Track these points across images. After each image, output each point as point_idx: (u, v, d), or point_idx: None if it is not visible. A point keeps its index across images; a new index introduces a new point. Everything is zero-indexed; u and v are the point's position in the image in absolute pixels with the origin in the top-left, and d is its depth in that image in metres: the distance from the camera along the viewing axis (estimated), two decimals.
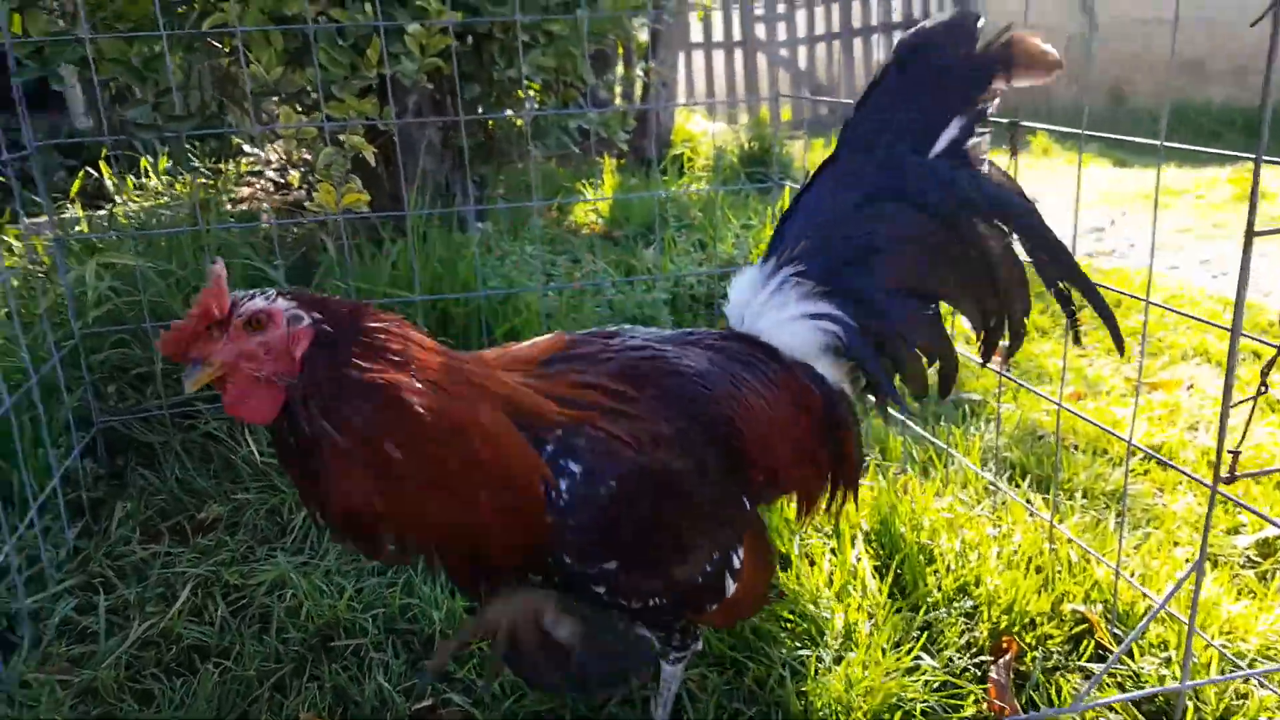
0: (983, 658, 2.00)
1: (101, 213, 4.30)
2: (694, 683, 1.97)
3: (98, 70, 2.80)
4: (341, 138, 3.56)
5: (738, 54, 10.14)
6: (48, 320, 2.82)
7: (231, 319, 1.25)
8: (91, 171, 4.76)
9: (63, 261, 2.89)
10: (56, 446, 2.71)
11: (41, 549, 2.45)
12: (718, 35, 10.14)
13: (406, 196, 3.27)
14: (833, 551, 2.32)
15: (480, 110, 4.61)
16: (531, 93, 5.08)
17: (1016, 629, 2.04)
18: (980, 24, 1.63)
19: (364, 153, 3.60)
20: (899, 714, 1.83)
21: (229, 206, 4.93)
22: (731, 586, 1.53)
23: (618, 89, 7.33)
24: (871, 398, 1.76)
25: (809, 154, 7.17)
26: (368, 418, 1.21)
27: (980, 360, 1.77)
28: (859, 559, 2.25)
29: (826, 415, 1.67)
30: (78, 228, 4.02)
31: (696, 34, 9.97)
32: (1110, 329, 1.62)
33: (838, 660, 1.97)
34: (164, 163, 4.88)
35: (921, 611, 2.10)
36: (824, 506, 1.73)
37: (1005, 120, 2.14)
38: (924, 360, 1.71)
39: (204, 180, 5.00)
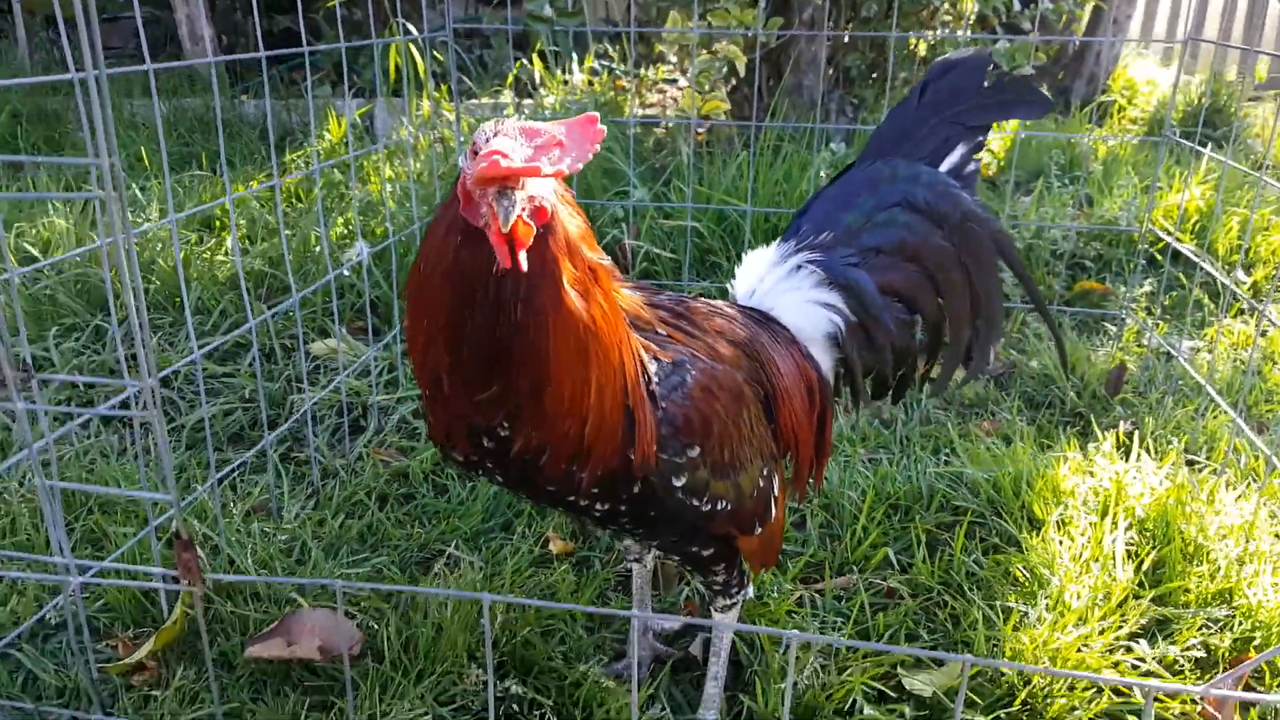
0: (1218, 673, 1.77)
1: (529, 101, 4.93)
2: (886, 599, 1.98)
3: None
4: (717, 47, 3.74)
5: None
6: (440, 183, 3.36)
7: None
8: (526, 64, 5.42)
9: (459, 135, 3.41)
10: None
11: (399, 362, 3.00)
12: None
13: (756, 110, 3.37)
14: (1091, 527, 2.14)
15: (875, 30, 4.53)
16: (947, 15, 4.89)
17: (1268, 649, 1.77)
18: (991, 64, 1.83)
19: (737, 62, 3.76)
20: (1083, 684, 1.71)
21: (637, 110, 5.36)
22: (774, 512, 1.63)
23: (1065, 18, 6.71)
24: (846, 390, 1.86)
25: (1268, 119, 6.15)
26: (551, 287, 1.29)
27: (935, 387, 1.89)
28: (1115, 540, 2.06)
29: (820, 395, 1.75)
30: (506, 111, 4.65)
31: None
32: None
33: (1041, 621, 1.85)
34: (589, 61, 5.40)
35: (1165, 606, 1.90)
36: (807, 475, 1.78)
37: None
38: (895, 364, 1.83)
39: (619, 82, 5.43)
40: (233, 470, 2.48)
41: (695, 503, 1.48)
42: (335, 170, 4.48)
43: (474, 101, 5.37)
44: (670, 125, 3.74)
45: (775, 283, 1.78)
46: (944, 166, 1.80)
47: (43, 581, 1.89)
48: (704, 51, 3.63)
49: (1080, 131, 5.41)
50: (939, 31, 4.79)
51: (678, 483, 1.45)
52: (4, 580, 1.99)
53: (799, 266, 1.76)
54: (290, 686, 1.84)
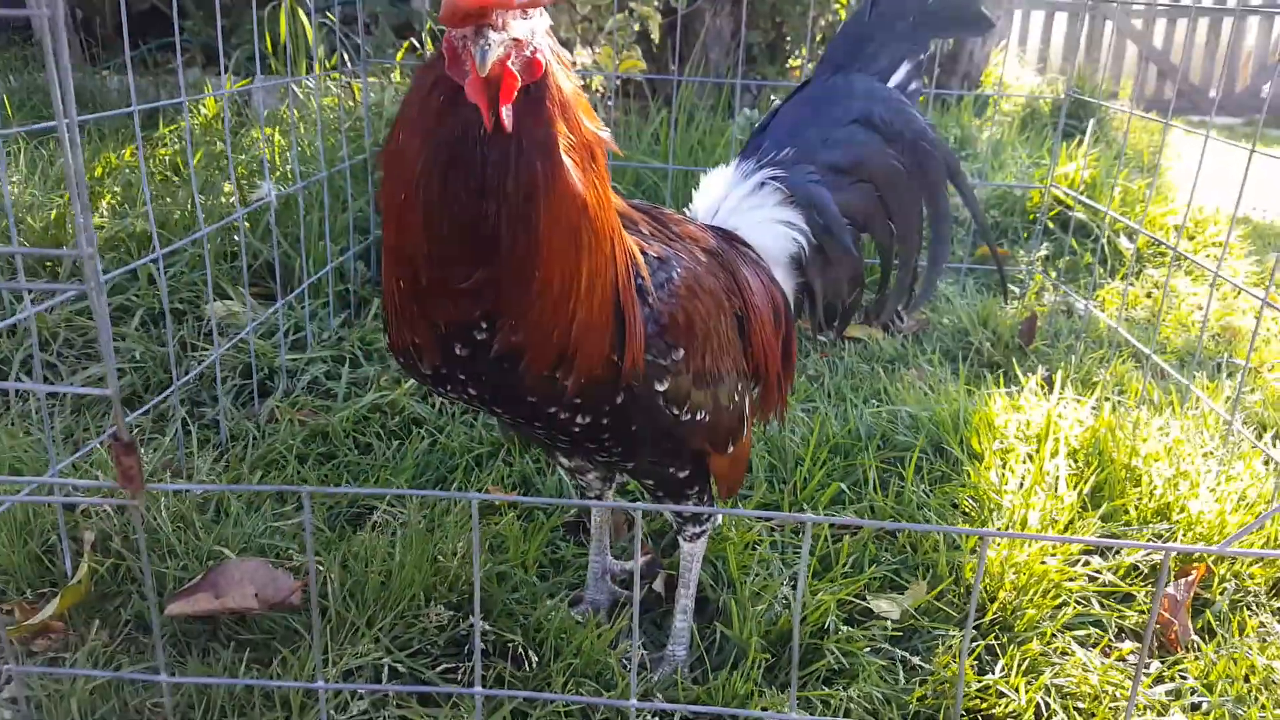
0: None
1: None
2: (848, 531, 1.97)
3: None
4: (632, 5, 3.69)
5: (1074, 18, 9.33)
6: (346, 136, 3.19)
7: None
8: (416, 45, 5.25)
9: (366, 84, 3.25)
10: (336, 244, 3.09)
11: (306, 322, 2.82)
12: None
13: (677, 68, 3.34)
14: (1029, 457, 2.19)
15: (776, 10, 4.59)
16: (835, 7, 5.00)
17: (1211, 558, 1.84)
18: None
19: (650, 22, 3.73)
20: (1050, 594, 1.73)
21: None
22: (745, 431, 1.58)
23: None
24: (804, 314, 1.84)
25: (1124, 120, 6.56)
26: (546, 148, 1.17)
27: (875, 314, 1.90)
28: (1057, 465, 2.11)
29: (785, 318, 1.72)
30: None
31: None
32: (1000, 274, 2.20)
33: (998, 543, 1.88)
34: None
35: (1111, 525, 1.95)
36: (775, 401, 1.74)
37: None
38: (848, 290, 1.81)
39: None
40: (132, 423, 2.27)
41: (675, 411, 1.41)
42: (217, 142, 4.21)
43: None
44: (590, 79, 3.67)
45: (738, 200, 1.73)
46: (891, 83, 1.78)
47: None
48: (619, 12, 3.58)
49: (964, 122, 5.63)
50: (831, 18, 4.90)
51: (660, 387, 1.36)
52: None
53: (762, 184, 1.72)
54: (219, 644, 1.67)
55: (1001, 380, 2.65)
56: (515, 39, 1.10)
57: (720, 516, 1.71)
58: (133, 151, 4.16)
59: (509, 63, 1.10)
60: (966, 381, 2.73)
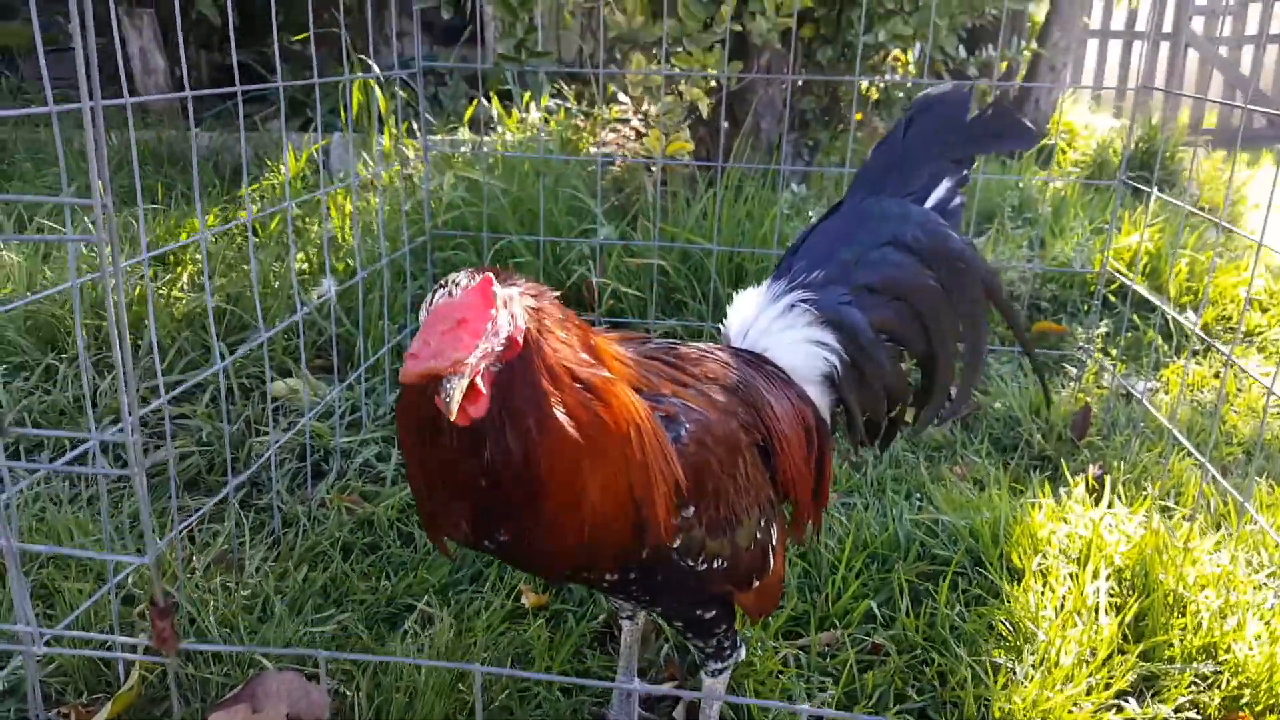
0: None
1: (488, 138, 4.89)
2: (872, 656, 1.95)
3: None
4: (681, 88, 3.74)
5: (1137, 46, 9.11)
6: (406, 219, 3.29)
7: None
8: (484, 102, 5.38)
9: (428, 170, 3.35)
10: (394, 322, 3.18)
11: (362, 402, 2.91)
12: (1119, 24, 9.17)
13: (720, 151, 3.37)
14: (1070, 577, 2.14)
15: (829, 75, 4.59)
16: (895, 62, 4.98)
17: (1259, 709, 1.78)
18: (969, 98, 1.83)
19: (700, 104, 3.77)
20: None
21: (592, 149, 5.35)
22: (772, 563, 1.59)
23: (1004, 66, 6.89)
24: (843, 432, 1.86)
25: (1203, 165, 6.36)
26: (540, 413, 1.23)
27: (911, 424, 1.89)
28: (1097, 591, 2.06)
29: (818, 436, 1.73)
30: (464, 147, 4.61)
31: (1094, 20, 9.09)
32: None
33: (1030, 679, 1.84)
34: (545, 100, 5.39)
35: (1153, 664, 1.90)
36: (806, 520, 1.75)
37: None
38: (888, 405, 1.82)
39: (575, 121, 5.42)
40: (192, 521, 2.38)
41: (689, 563, 1.44)
42: (295, 205, 4.38)
43: (432, 138, 5.31)
44: (630, 163, 3.73)
45: (769, 322, 1.75)
46: (930, 202, 1.80)
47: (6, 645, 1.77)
48: (668, 95, 3.63)
49: (1028, 174, 5.53)
50: (889, 76, 4.88)
51: (674, 544, 1.40)
52: None
53: (792, 305, 1.74)
54: None
55: (1047, 486, 2.60)
56: (484, 352, 1.17)
57: (744, 650, 1.71)
58: (215, 217, 4.36)
59: (479, 379, 1.17)
60: (1013, 480, 2.69)
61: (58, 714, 1.79)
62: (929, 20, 4.28)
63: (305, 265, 3.73)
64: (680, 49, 3.67)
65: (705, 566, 1.46)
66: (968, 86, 1.85)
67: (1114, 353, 3.46)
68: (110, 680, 1.89)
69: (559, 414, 1.23)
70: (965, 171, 1.82)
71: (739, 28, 3.83)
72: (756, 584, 1.58)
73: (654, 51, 4.13)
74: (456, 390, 1.13)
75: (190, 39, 7.35)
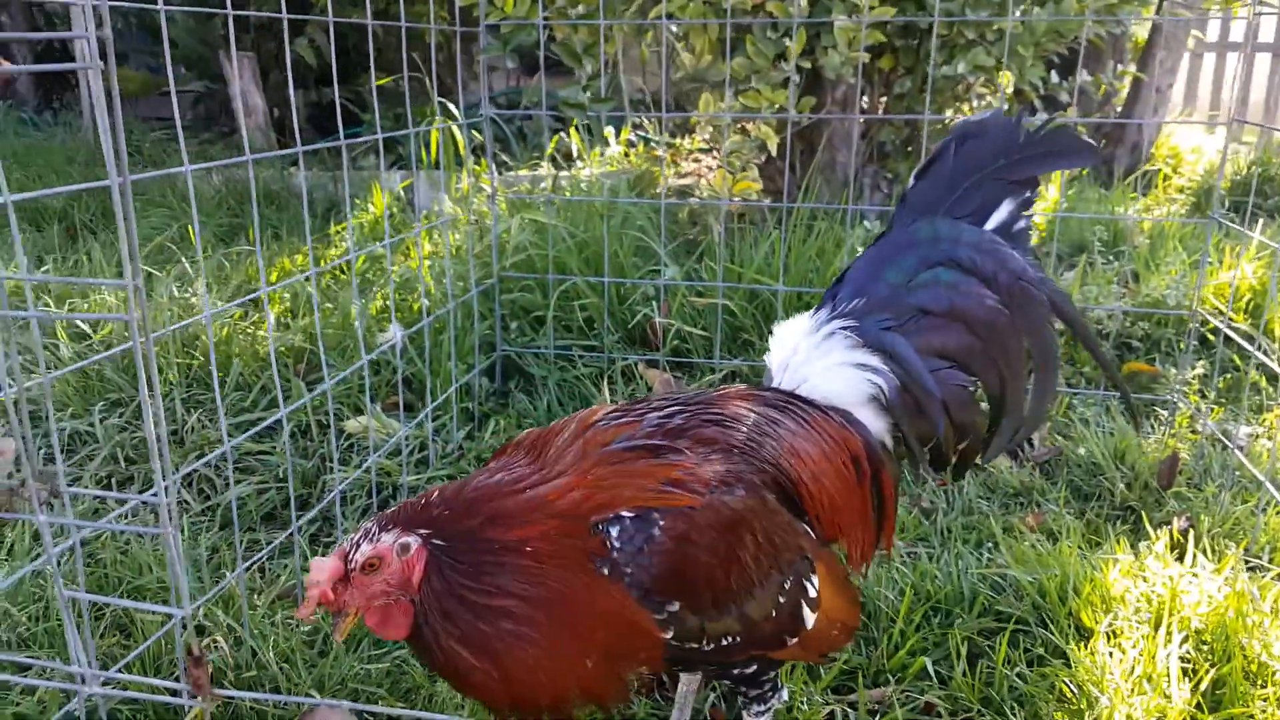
0: None
1: (565, 173, 4.97)
2: (924, 716, 1.88)
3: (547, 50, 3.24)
4: (749, 127, 3.74)
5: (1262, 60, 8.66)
6: (475, 260, 3.37)
7: (350, 572, 1.36)
8: (564, 137, 5.47)
9: (495, 213, 3.42)
10: (462, 362, 3.25)
11: (430, 439, 2.98)
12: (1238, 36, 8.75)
13: (787, 188, 3.35)
14: (1144, 639, 2.03)
15: (909, 107, 4.52)
16: (987, 89, 4.87)
17: None
18: (1019, 121, 1.73)
19: (769, 142, 3.76)
20: None
21: (674, 179, 5.38)
22: (810, 617, 1.54)
23: (1103, 90, 6.66)
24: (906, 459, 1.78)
25: None
26: (478, 630, 1.35)
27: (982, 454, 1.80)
28: (1169, 654, 1.95)
29: (869, 461, 1.68)
30: (542, 184, 4.70)
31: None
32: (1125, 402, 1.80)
33: None
34: (625, 133, 5.44)
35: None
36: (859, 553, 1.71)
37: None
38: (954, 433, 1.75)
39: (655, 152, 5.44)
40: (260, 557, 2.46)
41: (694, 646, 1.43)
42: (376, 245, 4.54)
43: (511, 174, 5.44)
44: (701, 205, 3.74)
45: (808, 352, 1.73)
46: (990, 225, 1.73)
47: (63, 684, 1.86)
48: (735, 133, 3.63)
49: (1124, 203, 5.33)
50: (974, 104, 4.76)
51: (667, 635, 1.39)
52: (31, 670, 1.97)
53: (833, 334, 1.71)
54: None
55: (1123, 540, 2.47)
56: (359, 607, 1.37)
57: (785, 693, 1.68)
58: (305, 258, 4.54)
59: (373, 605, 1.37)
60: (1092, 532, 2.57)
61: None
62: (1013, 50, 4.19)
63: (383, 304, 3.84)
64: (749, 86, 3.67)
65: (713, 646, 1.44)
66: (1012, 113, 1.78)
67: (1210, 395, 3.28)
68: (179, 710, 1.96)
69: (459, 648, 1.35)
70: (1029, 194, 1.74)
71: (807, 64, 3.81)
72: (793, 641, 1.55)
73: (723, 89, 4.15)
74: (341, 623, 1.36)
75: (289, 79, 7.71)
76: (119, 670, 1.81)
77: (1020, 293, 1.67)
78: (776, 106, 3.53)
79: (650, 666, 1.46)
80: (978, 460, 1.81)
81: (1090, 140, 1.78)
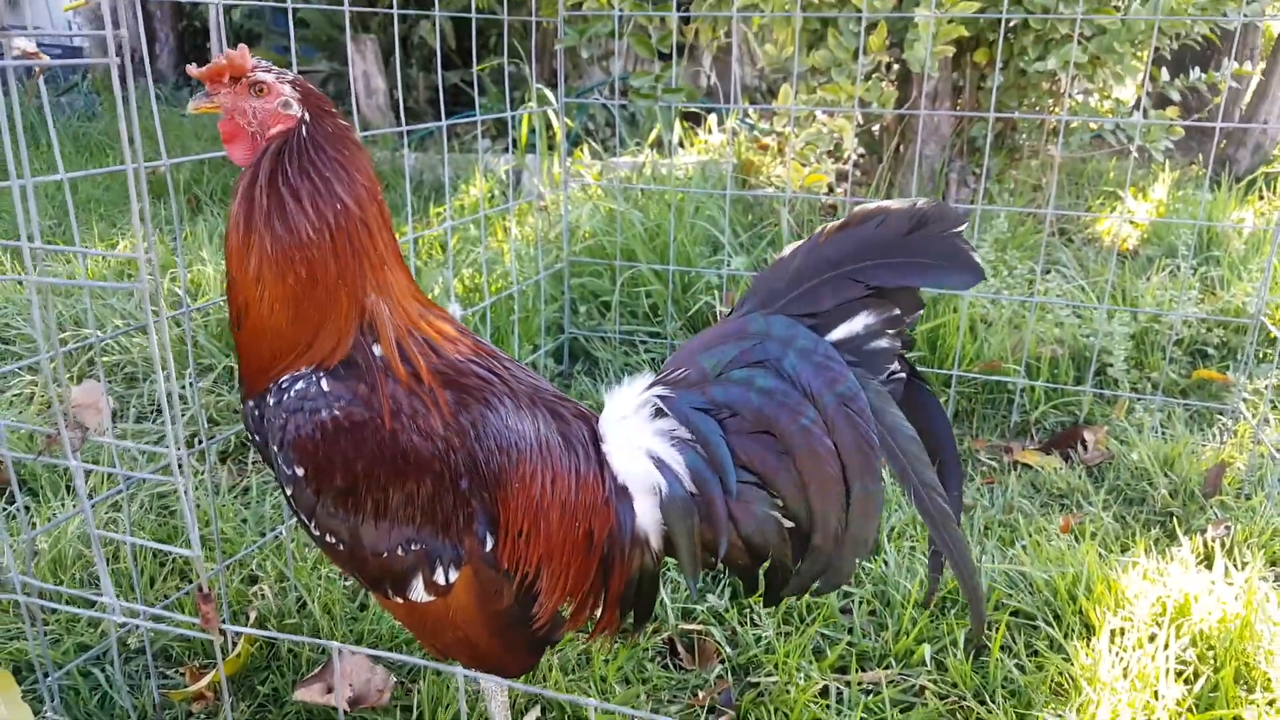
0: None
1: (662, 161, 5.10)
2: (916, 698, 1.95)
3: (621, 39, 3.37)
4: (825, 123, 3.78)
5: None
6: (544, 245, 3.54)
7: (245, 77, 1.46)
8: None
9: (566, 200, 3.58)
10: (530, 342, 3.43)
11: None
12: None
13: (848, 181, 3.38)
14: (1149, 640, 2.04)
15: (1001, 102, 4.45)
16: (1089, 88, 4.74)
17: None
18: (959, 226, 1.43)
19: (844, 135, 3.79)
20: None
21: (769, 172, 5.41)
22: (420, 591, 1.51)
23: (1223, 87, 6.35)
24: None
25: None
26: (278, 221, 1.45)
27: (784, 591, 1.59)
28: (1167, 655, 1.95)
29: (608, 542, 1.56)
30: (643, 167, 4.84)
31: None
32: (973, 611, 1.58)
33: None
34: (735, 116, 5.41)
35: None
36: (590, 619, 1.63)
37: None
38: (748, 556, 1.55)
39: (762, 140, 5.42)
40: None
41: (305, 519, 1.50)
42: (471, 226, 4.77)
43: (615, 159, 5.60)
44: (766, 196, 3.81)
45: (620, 417, 1.60)
46: (835, 334, 1.48)
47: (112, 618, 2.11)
48: (814, 124, 3.68)
49: (1231, 207, 5.11)
50: (1068, 101, 4.64)
51: (289, 490, 1.48)
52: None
53: (647, 403, 1.56)
54: None
55: (1144, 543, 2.45)
56: (223, 104, 1.47)
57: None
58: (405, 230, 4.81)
59: (234, 116, 1.48)
60: (1128, 536, 2.55)
61: (177, 672, 2.11)
62: (1109, 46, 4.09)
63: (472, 284, 4.06)
64: (828, 79, 3.71)
65: (319, 534, 1.50)
66: (961, 211, 1.45)
67: (1277, 405, 3.17)
68: (225, 647, 2.19)
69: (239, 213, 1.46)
70: (896, 310, 1.47)
71: (887, 59, 3.82)
72: (397, 599, 1.53)
73: (806, 81, 4.19)
74: (203, 104, 1.48)
75: (411, 61, 8.06)
76: (162, 608, 2.04)
77: (848, 421, 1.44)
78: (855, 99, 3.56)
79: None
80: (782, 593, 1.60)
81: (979, 262, 1.44)
